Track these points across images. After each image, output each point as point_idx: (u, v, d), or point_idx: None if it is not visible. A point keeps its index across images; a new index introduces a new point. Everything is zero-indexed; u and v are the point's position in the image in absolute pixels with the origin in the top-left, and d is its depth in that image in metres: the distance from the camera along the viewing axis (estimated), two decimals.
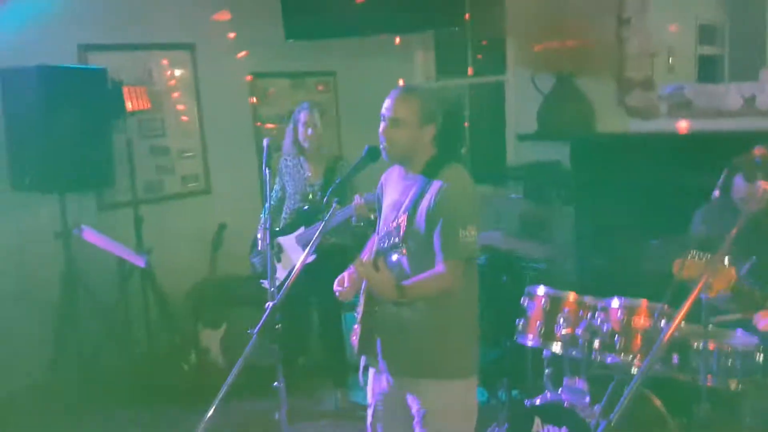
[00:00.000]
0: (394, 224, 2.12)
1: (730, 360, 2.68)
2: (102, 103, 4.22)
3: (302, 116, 3.85)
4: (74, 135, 4.01)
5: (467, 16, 5.52)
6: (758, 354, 2.72)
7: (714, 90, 4.32)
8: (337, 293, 2.49)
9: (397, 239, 2.10)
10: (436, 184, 2.31)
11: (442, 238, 2.26)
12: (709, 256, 1.97)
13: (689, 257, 1.99)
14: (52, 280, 4.26)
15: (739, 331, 2.86)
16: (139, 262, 3.99)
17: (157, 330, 4.56)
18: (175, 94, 5.03)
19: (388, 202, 2.48)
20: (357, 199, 3.53)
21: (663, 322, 2.63)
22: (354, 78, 5.72)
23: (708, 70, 5.52)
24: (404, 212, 2.28)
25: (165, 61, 4.94)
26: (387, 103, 2.37)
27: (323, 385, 4.30)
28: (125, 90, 4.34)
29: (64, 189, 4.17)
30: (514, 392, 3.56)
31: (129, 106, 4.33)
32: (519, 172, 4.92)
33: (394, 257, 2.23)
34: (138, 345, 4.42)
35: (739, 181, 2.85)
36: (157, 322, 4.55)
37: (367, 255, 2.58)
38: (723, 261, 1.79)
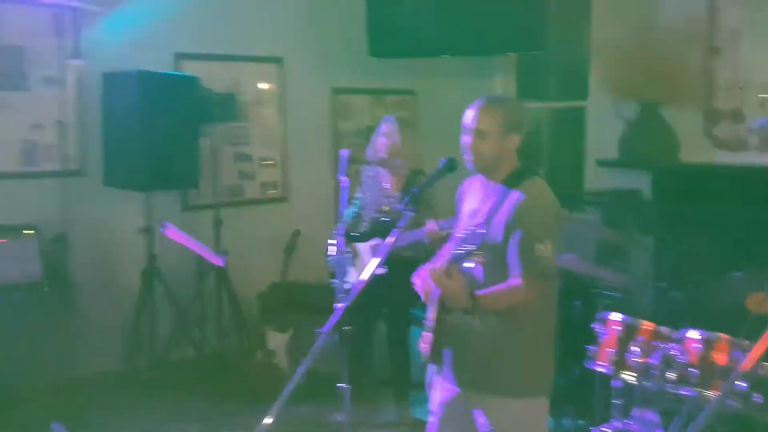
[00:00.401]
0: (472, 231, 2.11)
1: None
2: (192, 109, 4.41)
3: (383, 128, 3.93)
4: (165, 137, 4.22)
5: (550, 39, 5.52)
6: None
7: None
8: (419, 290, 2.49)
9: (473, 246, 2.09)
10: (515, 195, 2.31)
11: (519, 251, 2.26)
12: None
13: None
14: (134, 273, 4.47)
15: None
16: (218, 260, 4.12)
17: (228, 328, 4.70)
18: (261, 105, 5.22)
19: (467, 209, 2.49)
20: (431, 224, 3.55)
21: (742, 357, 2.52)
22: (434, 98, 5.79)
23: None
24: (483, 220, 2.28)
25: (253, 73, 5.14)
26: (470, 114, 2.38)
27: (385, 397, 4.32)
28: (214, 98, 4.53)
29: (151, 188, 4.38)
30: (581, 421, 3.48)
31: (217, 112, 4.51)
32: (597, 198, 4.83)
33: (470, 264, 2.22)
34: (208, 341, 4.55)
35: None
36: (228, 321, 4.69)
37: (439, 262, 2.59)
38: None
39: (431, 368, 2.55)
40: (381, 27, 5.11)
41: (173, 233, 4.04)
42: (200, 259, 4.44)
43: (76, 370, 4.28)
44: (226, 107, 4.53)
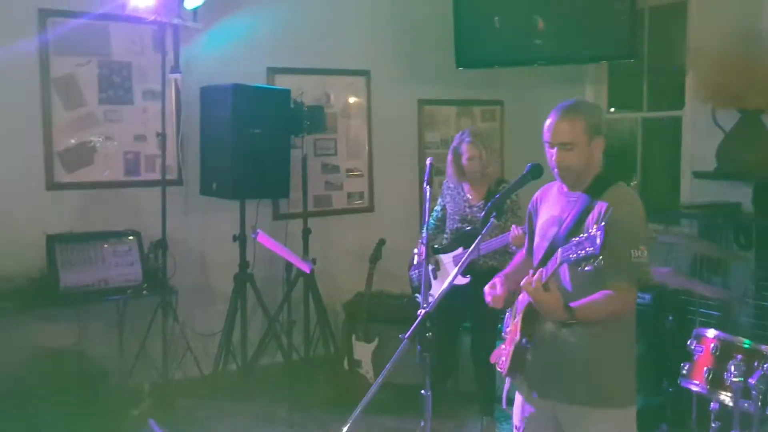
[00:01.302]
0: (589, 234, 2.05)
1: None
2: (284, 121, 4.56)
3: (465, 148, 3.90)
4: (257, 148, 4.38)
5: (644, 47, 5.37)
6: None
7: None
8: (488, 299, 2.48)
9: (592, 249, 2.03)
10: (602, 205, 2.26)
11: (614, 259, 2.18)
12: None
13: None
14: (227, 279, 4.64)
15: None
16: (306, 267, 4.23)
17: (314, 337, 4.80)
18: (348, 117, 5.32)
19: (544, 218, 2.45)
20: (515, 230, 3.53)
21: None
22: (522, 108, 5.73)
23: None
24: (597, 223, 2.18)
25: (342, 86, 5.26)
26: (550, 127, 2.33)
27: (469, 411, 4.29)
28: (305, 110, 4.66)
29: (244, 197, 4.55)
30: None
31: (307, 124, 4.63)
32: (694, 211, 4.64)
33: (588, 269, 2.15)
34: (296, 348, 4.66)
35: None
36: (315, 329, 4.79)
37: (511, 272, 2.56)
38: None
39: (507, 383, 2.53)
40: (468, 37, 5.12)
41: (264, 239, 4.20)
42: (289, 267, 4.57)
43: (172, 372, 4.48)
44: (315, 119, 4.65)
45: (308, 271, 4.31)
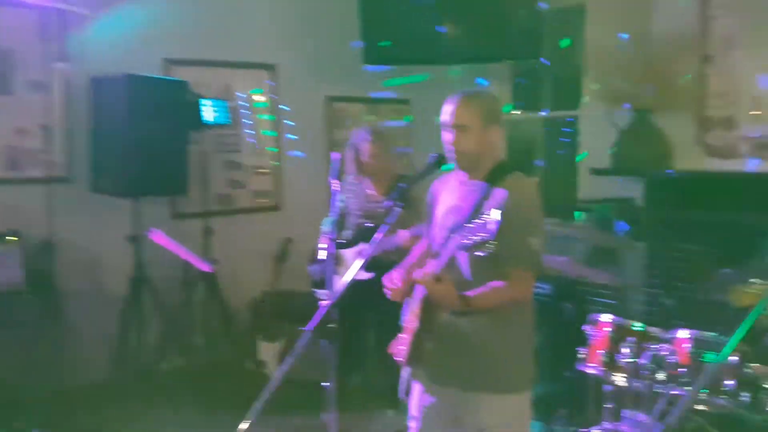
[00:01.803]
0: (481, 221, 2.04)
1: None
2: (182, 114, 4.38)
3: (364, 146, 3.88)
4: (153, 143, 4.18)
5: (545, 49, 5.52)
6: None
7: None
8: (388, 293, 2.46)
9: (486, 235, 2.02)
10: (499, 192, 2.27)
11: (510, 246, 2.20)
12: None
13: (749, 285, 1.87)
14: (121, 282, 4.41)
15: None
16: (206, 267, 4.08)
17: (217, 338, 4.64)
18: (253, 112, 5.19)
19: (443, 207, 2.45)
20: (403, 234, 3.51)
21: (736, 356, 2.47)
22: (428, 105, 5.76)
23: None
24: (467, 214, 2.20)
25: (246, 79, 5.12)
26: (447, 109, 2.34)
27: (377, 405, 4.25)
28: (205, 104, 4.50)
29: (139, 194, 4.33)
30: (571, 427, 3.40)
31: (207, 118, 4.47)
32: (590, 206, 4.81)
33: (480, 254, 2.14)
34: (197, 351, 4.49)
35: None
36: (217, 331, 4.62)
37: (412, 264, 2.55)
38: None
39: (405, 374, 2.50)
40: (375, 35, 5.10)
41: (161, 239, 4.01)
42: (189, 268, 4.39)
43: (62, 380, 4.20)
44: (216, 114, 4.50)
45: (209, 271, 4.16)
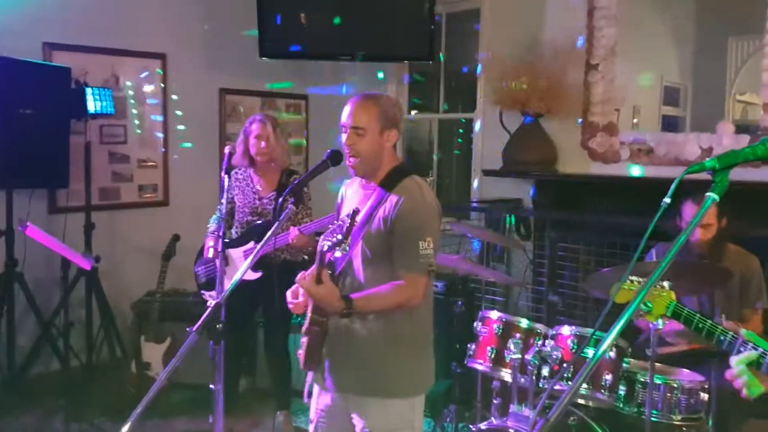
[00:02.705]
0: (340, 221, 2.07)
1: (675, 396, 2.66)
2: (63, 102, 4.12)
3: (254, 128, 3.70)
4: (30, 132, 3.91)
5: (441, 51, 5.63)
6: (702, 393, 2.71)
7: (674, 139, 4.41)
8: (290, 306, 2.41)
9: (340, 236, 2.04)
10: (393, 196, 2.27)
11: (402, 250, 2.22)
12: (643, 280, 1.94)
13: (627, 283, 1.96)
14: None
15: (685, 370, 2.87)
16: (86, 264, 3.83)
17: (98, 340, 4.39)
18: (142, 103, 4.96)
19: (345, 212, 2.44)
20: (293, 231, 3.46)
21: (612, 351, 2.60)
22: (325, 102, 5.73)
23: (670, 122, 5.68)
24: (356, 213, 2.21)
25: (134, 68, 4.88)
26: (346, 111, 2.32)
27: (266, 407, 4.17)
28: (89, 92, 4.25)
29: (13, 186, 4.03)
30: (461, 424, 3.47)
31: (91, 107, 4.23)
32: (482, 206, 4.94)
33: (337, 254, 2.16)
34: (75, 354, 4.23)
35: (688, 207, 2.93)
36: (99, 332, 4.38)
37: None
38: (662, 284, 1.76)
39: (310, 376, 2.47)
40: (272, 27, 5.01)
41: (35, 233, 3.73)
42: (67, 265, 4.13)
43: None
44: (101, 103, 4.25)
45: (88, 268, 3.92)
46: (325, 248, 2.11)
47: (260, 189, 3.79)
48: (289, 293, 2.41)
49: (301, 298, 2.38)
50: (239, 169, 3.83)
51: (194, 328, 2.15)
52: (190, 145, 5.19)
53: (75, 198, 4.42)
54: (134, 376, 4.21)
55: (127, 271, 4.75)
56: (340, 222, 2.06)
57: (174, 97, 5.07)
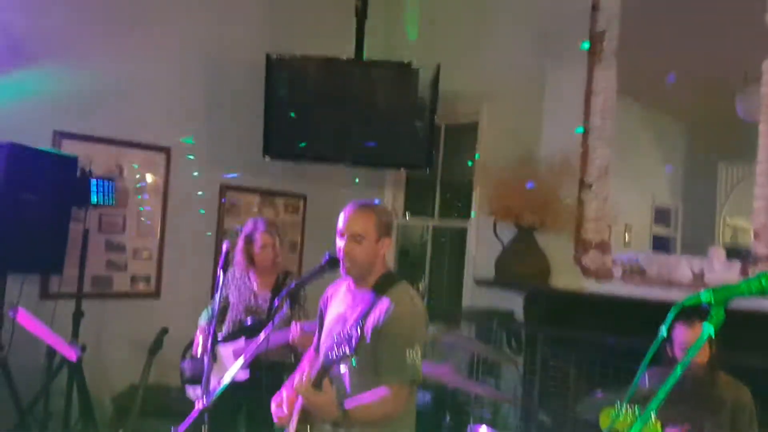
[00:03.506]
0: (346, 334, 2.07)
1: None
2: (68, 190, 4.19)
3: (259, 238, 3.82)
4: (30, 216, 3.95)
5: (439, 160, 5.79)
6: None
7: (666, 261, 4.47)
8: (275, 418, 2.38)
9: (348, 349, 2.03)
10: (384, 302, 2.29)
11: (389, 358, 2.22)
12: (636, 408, 1.93)
13: (617, 409, 1.95)
14: None
15: None
16: (71, 354, 3.78)
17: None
18: (142, 194, 5.03)
19: (332, 315, 2.45)
20: (294, 328, 3.46)
21: None
22: (324, 203, 5.82)
23: (661, 242, 5.77)
24: (355, 324, 2.23)
25: (137, 161, 4.98)
26: (344, 218, 2.39)
27: None
28: (93, 183, 4.32)
29: (7, 269, 4.03)
30: None
31: (93, 198, 4.29)
32: (473, 316, 4.92)
33: (342, 369, 2.16)
34: None
35: (679, 331, 2.93)
36: (77, 424, 4.25)
37: (302, 372, 2.49)
38: (650, 416, 1.75)
39: None
40: (277, 128, 5.17)
41: (25, 319, 3.70)
42: (52, 353, 4.06)
43: None
44: (103, 192, 4.32)
45: (74, 359, 3.86)
46: (332, 361, 2.10)
47: (256, 288, 3.82)
48: (274, 402, 2.39)
49: (286, 411, 2.35)
50: (237, 268, 3.88)
51: (180, 430, 2.12)
52: (185, 239, 5.21)
53: (67, 284, 4.40)
54: None
55: (113, 362, 4.67)
56: (347, 335, 2.05)
57: (175, 189, 5.15)
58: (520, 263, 4.86)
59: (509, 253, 4.94)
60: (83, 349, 4.11)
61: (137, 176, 4.99)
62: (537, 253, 4.89)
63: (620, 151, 4.86)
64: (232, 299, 3.87)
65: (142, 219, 5.02)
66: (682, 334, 2.96)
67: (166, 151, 5.10)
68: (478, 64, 5.46)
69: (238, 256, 3.86)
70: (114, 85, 4.77)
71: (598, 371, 3.93)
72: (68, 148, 4.52)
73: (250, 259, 3.84)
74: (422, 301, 2.42)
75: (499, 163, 5.02)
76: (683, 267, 4.32)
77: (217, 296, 3.29)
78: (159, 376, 4.48)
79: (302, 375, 2.20)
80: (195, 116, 5.24)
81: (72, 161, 4.26)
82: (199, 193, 5.28)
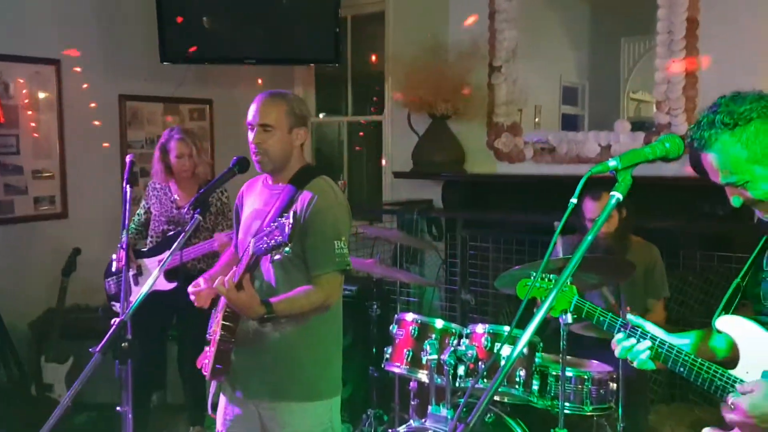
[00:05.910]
0: (277, 223, 2.00)
1: (586, 387, 2.77)
2: None
3: (173, 145, 3.66)
4: None
5: (347, 55, 5.63)
6: (611, 382, 2.83)
7: (574, 138, 4.58)
8: (192, 297, 2.34)
9: (281, 237, 1.97)
10: (306, 195, 2.24)
11: (318, 249, 2.19)
12: (551, 277, 2.01)
13: (533, 278, 2.02)
14: None
15: (595, 361, 2.99)
16: None
17: None
18: (35, 111, 4.68)
19: (248, 212, 2.39)
20: (221, 236, 3.39)
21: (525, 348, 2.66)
22: (231, 107, 5.60)
23: (570, 121, 5.91)
24: (285, 215, 2.15)
25: (25, 75, 4.60)
26: (253, 109, 2.28)
27: (179, 424, 4.04)
28: None
29: None
30: (380, 428, 3.48)
31: None
32: (393, 208, 4.97)
33: (278, 257, 2.09)
34: None
35: (587, 205, 3.05)
36: None
37: (219, 270, 2.45)
38: (566, 281, 1.82)
39: (213, 387, 2.41)
40: (174, 30, 4.86)
41: None
42: None
43: None
44: None
45: None
46: (263, 251, 2.03)
47: (178, 198, 3.73)
48: (190, 286, 2.35)
49: (204, 287, 2.32)
50: (157, 180, 3.74)
51: (97, 349, 2.05)
52: (88, 154, 4.94)
53: None
54: (35, 398, 3.98)
55: (25, 288, 4.47)
56: (276, 224, 1.98)
57: (70, 103, 4.81)
58: (436, 153, 4.90)
59: (424, 143, 4.96)
60: None
61: (24, 91, 4.61)
62: (452, 141, 4.93)
63: (527, 32, 4.85)
64: (154, 211, 3.75)
65: (36, 136, 4.69)
66: (591, 206, 3.08)
67: (55, 63, 4.72)
68: None
69: (156, 167, 3.71)
70: None
71: (515, 249, 4.09)
72: None
73: (169, 170, 3.69)
74: (343, 194, 2.38)
75: (409, 53, 4.92)
76: (591, 142, 4.45)
77: (126, 209, 3.13)
78: (78, 297, 4.35)
79: (223, 276, 2.14)
80: (84, 23, 4.83)
81: None
82: (94, 105, 4.95)
